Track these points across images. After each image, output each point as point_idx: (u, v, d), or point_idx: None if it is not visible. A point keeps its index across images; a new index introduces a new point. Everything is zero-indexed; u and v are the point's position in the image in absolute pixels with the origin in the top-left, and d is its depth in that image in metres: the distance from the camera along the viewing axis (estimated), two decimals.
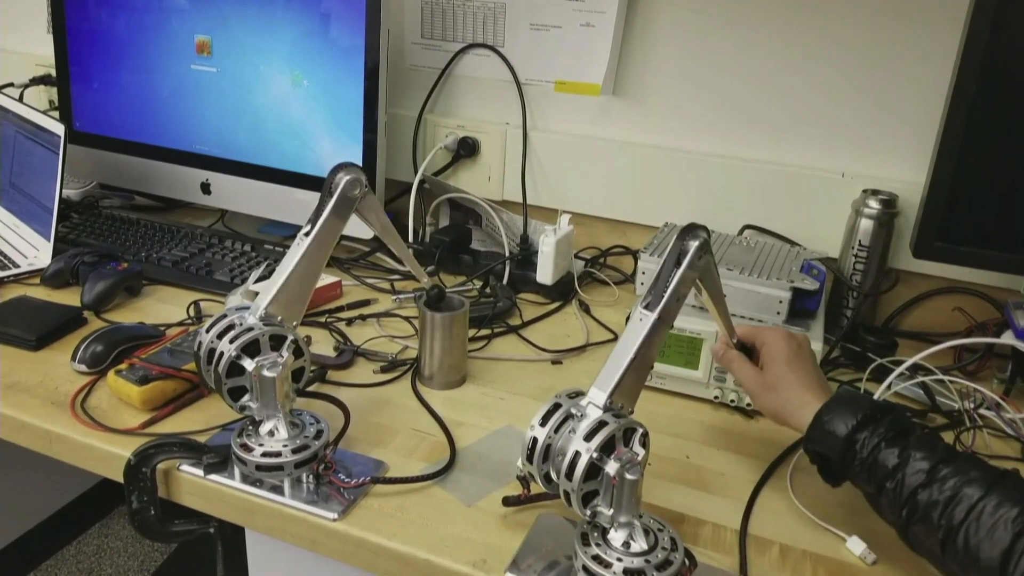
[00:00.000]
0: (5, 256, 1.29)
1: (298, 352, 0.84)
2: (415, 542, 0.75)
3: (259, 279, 1.17)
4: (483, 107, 1.44)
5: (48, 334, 1.06)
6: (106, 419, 0.90)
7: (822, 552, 0.77)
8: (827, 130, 1.23)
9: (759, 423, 0.99)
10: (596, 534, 0.71)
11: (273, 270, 1.00)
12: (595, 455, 0.66)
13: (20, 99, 1.48)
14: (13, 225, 1.39)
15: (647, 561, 0.68)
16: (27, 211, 1.37)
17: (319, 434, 0.84)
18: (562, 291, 1.28)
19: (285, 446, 0.82)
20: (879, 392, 0.97)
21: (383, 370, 1.04)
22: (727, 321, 0.85)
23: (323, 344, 1.11)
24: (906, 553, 0.73)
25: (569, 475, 0.67)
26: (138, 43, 1.43)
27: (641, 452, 0.69)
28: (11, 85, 1.60)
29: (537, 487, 0.72)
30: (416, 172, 1.42)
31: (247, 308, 0.84)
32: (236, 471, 0.83)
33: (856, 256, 1.17)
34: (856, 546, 0.77)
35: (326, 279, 1.22)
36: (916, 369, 1.02)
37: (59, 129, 1.27)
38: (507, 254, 1.32)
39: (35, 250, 1.30)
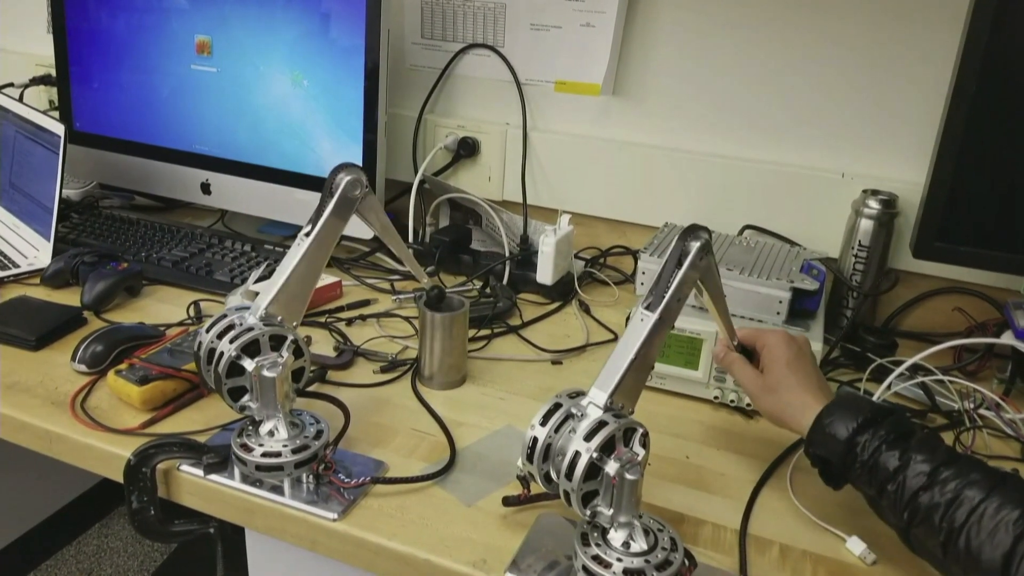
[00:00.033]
0: (5, 256, 1.29)
1: (298, 352, 0.84)
2: (415, 542, 0.75)
3: (259, 279, 1.17)
4: (483, 107, 1.44)
5: (48, 334, 1.06)
6: (106, 419, 0.90)
7: (822, 552, 0.77)
8: (827, 130, 1.23)
9: (759, 423, 0.99)
10: (596, 534, 0.71)
11: (273, 270, 1.01)
12: (595, 455, 0.66)
13: (20, 99, 1.48)
14: (13, 225, 1.39)
15: (647, 561, 0.68)
16: (27, 211, 1.37)
17: (319, 434, 0.84)
18: (562, 291, 1.28)
19: (285, 446, 0.82)
20: (879, 392, 0.98)
21: (383, 370, 1.04)
22: (728, 323, 0.85)
23: (323, 344, 1.11)
24: (906, 554, 0.73)
25: (569, 475, 0.67)
26: (138, 43, 1.43)
27: (641, 452, 0.69)
28: (11, 85, 1.60)
29: (537, 487, 0.73)
30: (416, 172, 1.42)
31: (247, 308, 0.84)
32: (236, 471, 0.83)
33: (856, 256, 1.17)
34: (856, 546, 0.77)
35: (326, 279, 1.22)
36: (916, 369, 1.02)
37: (59, 129, 1.27)
38: (507, 254, 1.32)
39: (35, 250, 1.30)
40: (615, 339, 1.16)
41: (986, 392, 0.99)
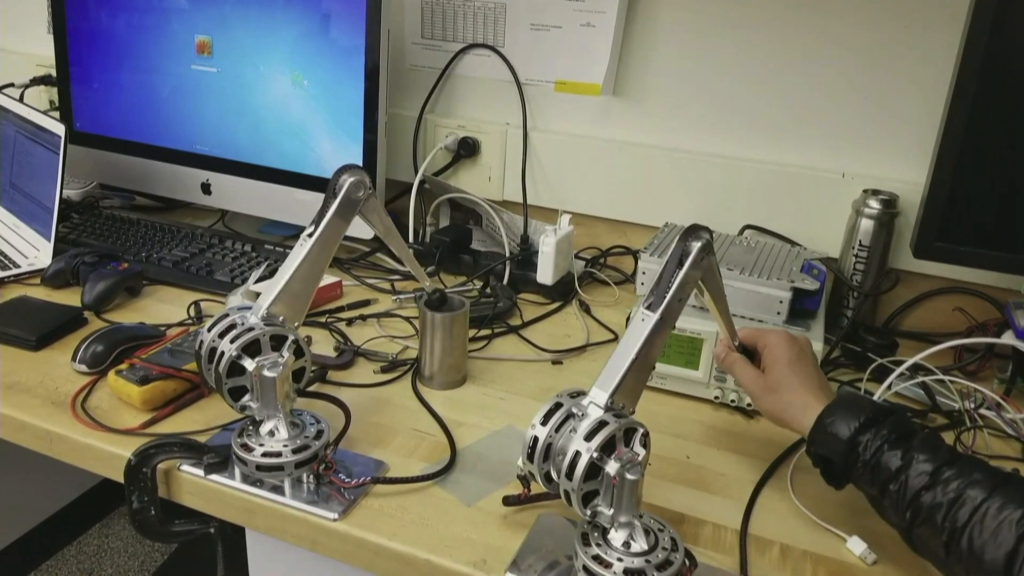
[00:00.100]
0: (5, 256, 1.29)
1: (299, 352, 0.84)
2: (415, 542, 0.75)
3: (259, 279, 1.17)
4: (483, 107, 1.44)
5: (48, 334, 1.06)
6: (106, 419, 0.90)
7: (822, 552, 0.77)
8: (827, 130, 1.23)
9: (759, 423, 0.99)
10: (596, 534, 0.71)
11: (274, 270, 1.01)
12: (595, 455, 0.66)
13: (20, 99, 1.48)
14: (13, 225, 1.39)
15: (647, 561, 0.68)
16: (27, 211, 1.37)
17: (319, 434, 0.84)
18: (562, 291, 1.28)
19: (285, 446, 0.82)
20: (880, 392, 0.98)
21: (383, 370, 1.04)
22: (729, 323, 0.85)
23: (323, 344, 1.11)
24: (906, 553, 0.73)
25: (569, 475, 0.67)
26: (138, 43, 1.43)
27: (642, 452, 0.69)
28: (11, 85, 1.60)
29: (538, 487, 0.72)
30: (416, 172, 1.42)
31: (249, 308, 0.84)
32: (236, 471, 0.83)
33: (856, 256, 1.17)
34: (856, 546, 0.77)
35: (326, 279, 1.22)
36: (916, 369, 1.02)
37: (59, 129, 1.27)
38: (507, 254, 1.32)
39: (35, 250, 1.30)
40: (615, 339, 1.16)
41: (987, 392, 0.99)
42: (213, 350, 0.81)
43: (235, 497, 0.81)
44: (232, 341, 0.80)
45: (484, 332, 1.16)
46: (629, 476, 0.67)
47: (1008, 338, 1.04)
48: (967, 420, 0.98)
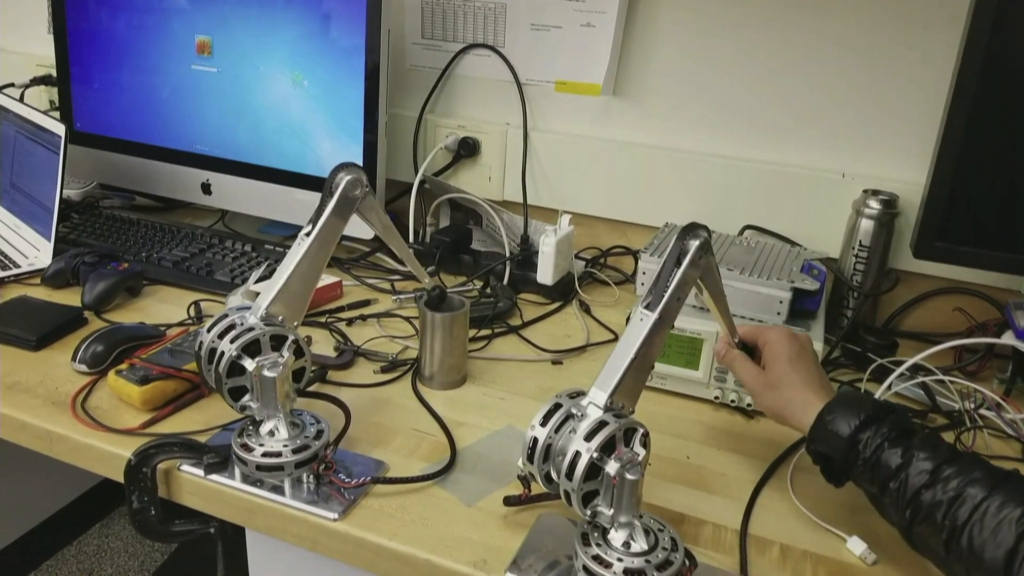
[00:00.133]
0: (6, 256, 1.29)
1: (299, 352, 0.84)
2: (415, 542, 0.75)
3: (260, 279, 1.17)
4: (483, 107, 1.44)
5: (48, 334, 1.06)
6: (106, 419, 0.90)
7: (822, 552, 0.77)
8: (828, 130, 1.23)
9: (759, 423, 0.99)
10: (596, 534, 0.71)
11: (274, 270, 1.01)
12: (595, 455, 0.66)
13: (21, 99, 1.48)
14: (14, 225, 1.39)
15: (647, 561, 0.68)
16: (28, 211, 1.37)
17: (319, 434, 0.84)
18: (562, 291, 1.28)
19: (285, 446, 0.82)
20: (879, 392, 0.98)
21: (383, 370, 1.04)
22: (728, 320, 0.85)
23: (323, 344, 1.11)
24: (906, 553, 0.73)
25: (569, 475, 0.67)
26: (138, 43, 1.43)
27: (642, 452, 0.69)
28: (12, 85, 1.60)
29: (538, 487, 0.72)
30: (416, 172, 1.42)
31: (248, 308, 0.84)
32: (236, 471, 0.83)
33: (856, 256, 1.17)
34: (856, 546, 0.77)
35: (326, 279, 1.22)
36: (916, 369, 1.02)
37: (60, 129, 1.27)
38: (507, 254, 1.32)
39: (36, 250, 1.30)
40: (615, 339, 1.16)
41: (987, 392, 0.99)
42: (213, 350, 0.81)
43: (235, 497, 0.81)
44: (232, 341, 0.80)
45: (484, 332, 1.16)
46: (629, 476, 0.67)
47: (1008, 338, 1.04)
48: (967, 420, 0.98)
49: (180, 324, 1.12)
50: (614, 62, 1.31)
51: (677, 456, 0.91)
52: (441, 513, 0.79)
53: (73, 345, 1.00)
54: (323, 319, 1.16)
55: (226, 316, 0.84)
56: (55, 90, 1.56)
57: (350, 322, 1.17)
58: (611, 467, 0.67)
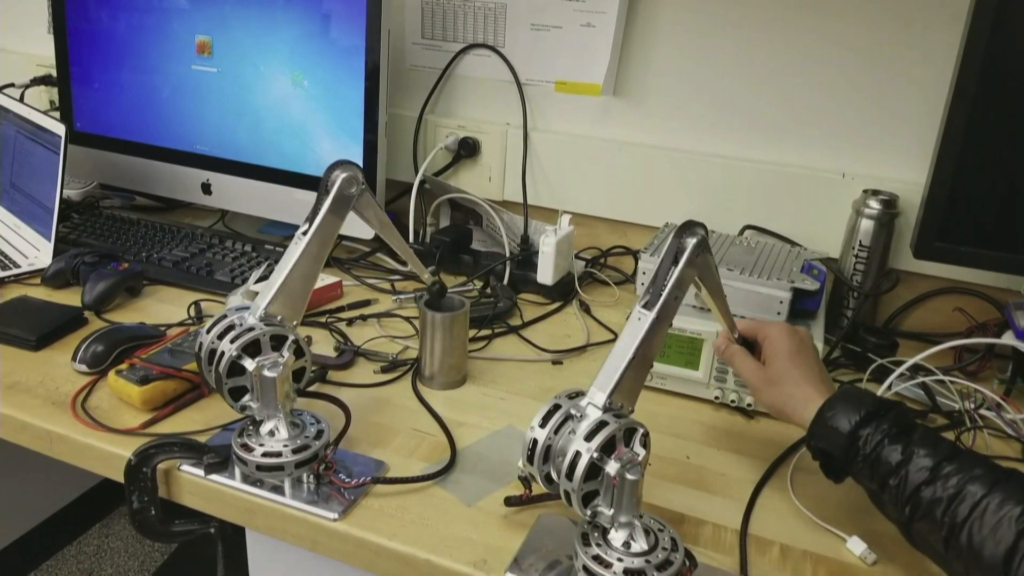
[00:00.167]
0: (6, 256, 1.29)
1: (299, 352, 0.84)
2: (415, 542, 0.75)
3: (260, 279, 1.17)
4: (484, 107, 1.44)
5: (49, 334, 1.06)
6: (107, 419, 0.90)
7: (822, 552, 0.77)
8: (828, 130, 1.23)
9: (760, 423, 0.99)
10: (596, 534, 0.71)
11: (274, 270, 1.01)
12: (595, 455, 0.66)
13: (21, 99, 1.48)
14: (14, 225, 1.39)
15: (647, 561, 0.68)
16: (28, 211, 1.37)
17: (320, 434, 0.84)
18: (563, 291, 1.28)
19: (286, 446, 0.82)
20: (880, 393, 0.97)
21: (383, 370, 1.04)
22: (728, 316, 0.85)
23: (324, 344, 1.11)
24: (907, 553, 0.73)
25: (569, 475, 0.67)
26: (139, 43, 1.43)
27: (642, 452, 0.69)
28: (12, 85, 1.60)
29: (539, 487, 0.72)
30: (417, 172, 1.42)
31: (247, 308, 0.84)
32: (237, 471, 0.83)
33: (856, 256, 1.17)
34: (856, 546, 0.77)
35: (327, 279, 1.22)
36: (917, 369, 1.02)
37: (60, 129, 1.27)
38: (508, 254, 1.32)
39: (36, 250, 1.30)
40: (615, 339, 1.16)
41: (987, 392, 0.99)
42: (213, 351, 0.81)
43: (235, 497, 0.81)
44: (232, 341, 0.80)
45: (484, 332, 1.16)
46: (629, 476, 0.67)
47: (1008, 338, 1.04)
48: (967, 420, 0.98)
49: (180, 324, 1.12)
50: (614, 62, 1.31)
51: (677, 456, 0.91)
52: (441, 513, 0.79)
53: (73, 345, 1.00)
54: (323, 319, 1.16)
55: (225, 317, 0.84)
56: (55, 90, 1.56)
57: (350, 322, 1.17)
58: (611, 467, 0.67)
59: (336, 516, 0.77)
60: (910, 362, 0.97)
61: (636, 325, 0.71)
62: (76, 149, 1.48)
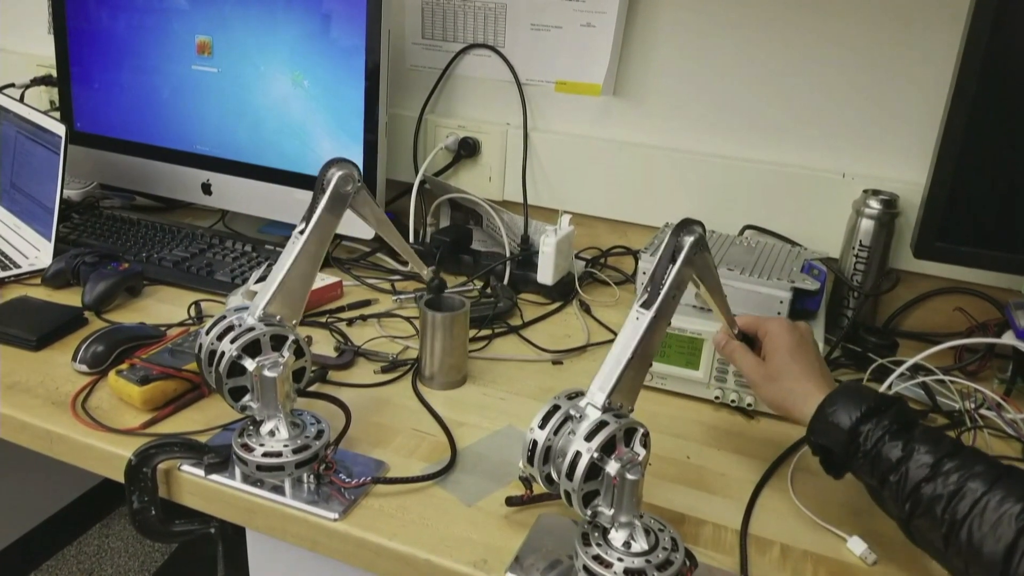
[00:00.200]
0: (6, 256, 1.29)
1: (299, 352, 0.84)
2: (416, 542, 0.75)
3: (260, 279, 1.17)
4: (484, 107, 1.44)
5: (49, 334, 1.06)
6: (107, 419, 0.90)
7: (823, 552, 0.77)
8: (828, 130, 1.23)
9: (760, 423, 0.99)
10: (597, 534, 0.71)
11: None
12: (596, 455, 0.66)
13: (21, 99, 1.48)
14: (14, 225, 1.39)
15: (648, 561, 0.68)
16: (28, 211, 1.37)
17: (320, 434, 0.84)
18: (563, 291, 1.28)
19: (286, 446, 0.82)
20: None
21: (384, 370, 1.04)
22: (727, 313, 0.85)
23: (324, 344, 1.11)
24: (907, 553, 0.73)
25: (570, 475, 0.67)
26: (139, 43, 1.43)
27: (642, 452, 0.69)
28: (12, 85, 1.60)
29: (540, 487, 0.72)
30: (417, 172, 1.42)
31: (246, 308, 0.84)
32: (237, 471, 0.83)
33: (857, 256, 1.17)
34: (857, 546, 0.77)
35: (327, 279, 1.22)
36: (917, 369, 1.02)
37: (60, 129, 1.27)
38: (508, 254, 1.32)
39: (36, 250, 1.30)
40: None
41: (987, 392, 0.99)
42: (212, 352, 0.81)
43: (235, 497, 0.81)
44: (232, 341, 0.80)
45: (484, 332, 1.16)
46: (629, 476, 0.67)
47: (1008, 338, 1.04)
48: (967, 420, 0.98)
49: (180, 324, 1.12)
50: (614, 62, 1.31)
51: (677, 456, 0.91)
52: (441, 513, 0.79)
53: (73, 345, 1.00)
54: (323, 319, 1.16)
55: (224, 317, 0.84)
56: (55, 90, 1.56)
57: (350, 322, 1.17)
58: (611, 467, 0.67)
59: (336, 516, 0.77)
60: (910, 362, 0.97)
61: (634, 324, 0.71)
62: (76, 149, 1.48)
